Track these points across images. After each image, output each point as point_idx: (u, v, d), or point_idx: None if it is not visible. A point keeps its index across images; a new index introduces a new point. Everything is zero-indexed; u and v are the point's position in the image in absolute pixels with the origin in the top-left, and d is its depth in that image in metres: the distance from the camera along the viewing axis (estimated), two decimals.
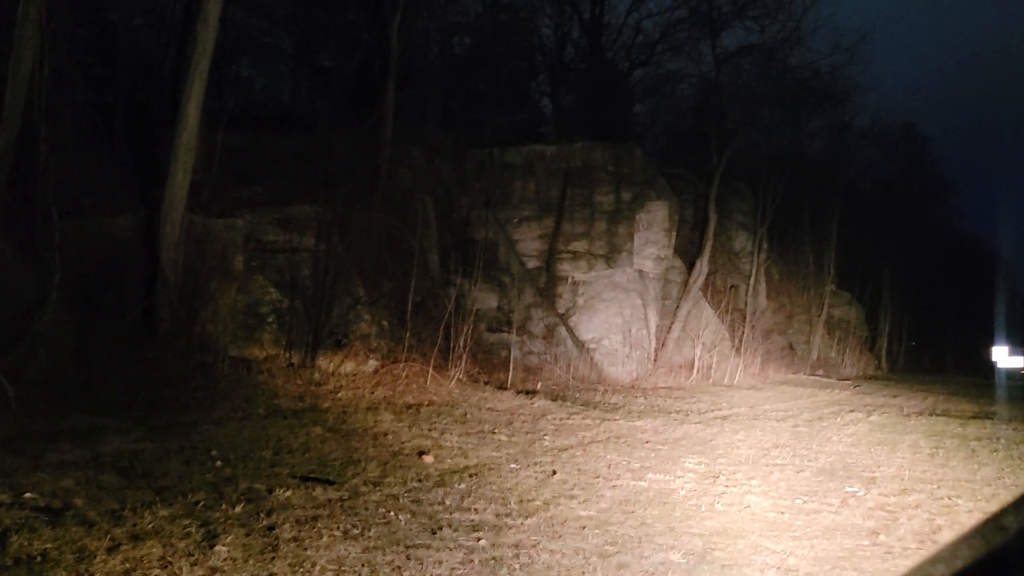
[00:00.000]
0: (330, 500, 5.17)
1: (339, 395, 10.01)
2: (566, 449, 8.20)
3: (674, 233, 21.78)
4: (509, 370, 14.97)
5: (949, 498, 6.76)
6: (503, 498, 5.60)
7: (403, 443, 7.57)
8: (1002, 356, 45.40)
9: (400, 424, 8.67)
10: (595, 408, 12.62)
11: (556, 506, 5.50)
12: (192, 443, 6.53)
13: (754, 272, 27.24)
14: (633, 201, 21.05)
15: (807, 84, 23.17)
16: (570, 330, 19.88)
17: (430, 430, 8.45)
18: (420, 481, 5.96)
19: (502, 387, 13.16)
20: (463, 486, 5.91)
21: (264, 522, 4.54)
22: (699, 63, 24.06)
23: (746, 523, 5.43)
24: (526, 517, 5.10)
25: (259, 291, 11.35)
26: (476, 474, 6.41)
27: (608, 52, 27.95)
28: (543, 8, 26.73)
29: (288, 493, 5.21)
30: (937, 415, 15.39)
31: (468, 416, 10.01)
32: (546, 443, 8.51)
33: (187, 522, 4.37)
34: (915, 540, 5.15)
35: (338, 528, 4.54)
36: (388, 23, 14.54)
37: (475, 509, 5.22)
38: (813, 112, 32.04)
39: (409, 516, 4.92)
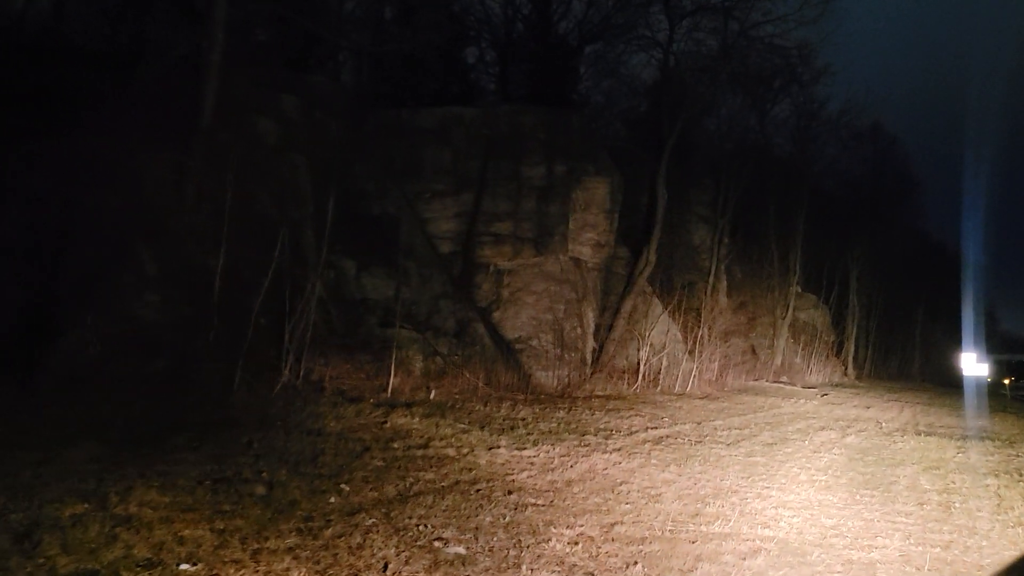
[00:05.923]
0: None
1: (51, 410, 6.45)
2: (354, 515, 4.76)
3: (617, 215, 18.51)
4: (390, 375, 11.57)
5: None
6: None
7: None
8: (970, 364, 43.44)
9: (93, 466, 5.15)
10: (484, 428, 9.25)
11: None
12: None
13: (714, 268, 24.35)
14: (568, 176, 17.70)
15: (771, 43, 20.17)
16: (490, 327, 16.47)
17: (121, 479, 4.93)
18: None
19: (358, 399, 9.67)
20: None
21: None
22: (652, 27, 21.02)
23: None
24: None
25: None
26: None
27: (558, 27, 24.85)
28: None
29: None
30: (923, 433, 12.45)
31: (254, 445, 6.52)
32: (332, 501, 5.06)
33: None
34: None
35: None
36: None
37: None
38: (779, 95, 29.54)
39: None
